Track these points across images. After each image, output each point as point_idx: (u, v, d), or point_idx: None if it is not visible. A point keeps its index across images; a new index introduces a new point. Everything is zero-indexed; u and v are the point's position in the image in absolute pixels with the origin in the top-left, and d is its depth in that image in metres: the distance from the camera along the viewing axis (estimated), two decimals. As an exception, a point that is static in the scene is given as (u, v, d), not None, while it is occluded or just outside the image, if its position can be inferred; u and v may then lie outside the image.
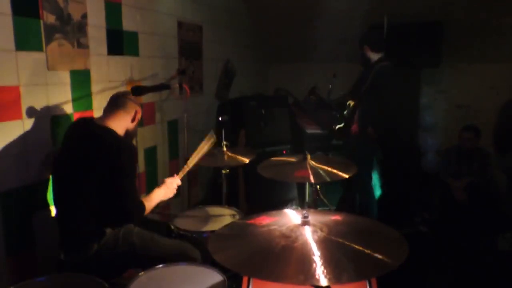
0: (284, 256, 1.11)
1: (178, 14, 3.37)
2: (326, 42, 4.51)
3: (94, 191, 1.80)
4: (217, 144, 2.52)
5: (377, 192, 3.98)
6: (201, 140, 2.36)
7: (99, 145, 1.83)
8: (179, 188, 2.20)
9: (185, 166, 2.27)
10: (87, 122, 1.99)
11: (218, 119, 4.01)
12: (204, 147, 2.33)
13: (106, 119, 1.96)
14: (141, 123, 2.97)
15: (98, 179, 1.79)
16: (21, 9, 1.96)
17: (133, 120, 2.05)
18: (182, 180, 2.22)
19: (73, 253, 1.86)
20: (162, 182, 2.14)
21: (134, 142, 2.86)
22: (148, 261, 1.82)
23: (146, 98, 2.92)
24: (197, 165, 2.35)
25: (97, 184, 1.79)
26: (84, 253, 1.84)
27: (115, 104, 2.02)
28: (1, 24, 1.88)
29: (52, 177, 2.00)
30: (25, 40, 2.00)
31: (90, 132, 1.90)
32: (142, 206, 1.92)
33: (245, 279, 1.59)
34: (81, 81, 2.38)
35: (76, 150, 1.88)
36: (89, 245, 1.84)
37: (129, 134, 2.07)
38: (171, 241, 2.05)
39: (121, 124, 1.99)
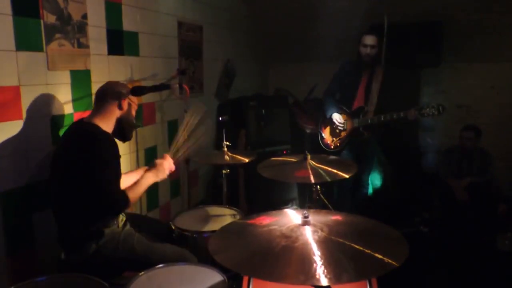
0: (284, 256, 1.11)
1: (178, 14, 3.37)
2: (326, 42, 4.51)
3: (79, 186, 1.79)
4: (215, 144, 2.51)
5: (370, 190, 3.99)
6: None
7: (77, 139, 1.85)
8: (178, 188, 2.18)
9: (174, 143, 2.23)
10: (77, 122, 2.01)
11: (218, 119, 4.01)
12: (191, 120, 2.29)
13: (93, 116, 1.95)
14: (141, 123, 2.97)
15: (79, 173, 1.78)
16: (21, 9, 1.96)
17: (120, 108, 1.98)
18: (180, 180, 2.18)
19: (72, 253, 1.86)
20: (153, 164, 2.11)
21: (133, 142, 2.86)
22: (146, 266, 1.81)
23: (146, 98, 2.92)
24: (187, 140, 2.27)
25: (80, 178, 1.78)
26: (83, 253, 1.83)
27: (97, 98, 1.99)
28: (1, 24, 1.88)
29: (50, 179, 2.00)
30: (25, 40, 2.00)
31: (73, 130, 1.94)
32: (125, 197, 1.86)
33: (245, 279, 1.59)
34: (81, 81, 2.38)
35: (61, 149, 1.91)
36: (87, 245, 1.84)
37: (123, 123, 2.00)
38: (171, 248, 2.01)
39: (108, 116, 1.95)
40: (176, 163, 2.22)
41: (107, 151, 1.84)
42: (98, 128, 1.88)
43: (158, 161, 2.13)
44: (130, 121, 2.06)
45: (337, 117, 3.45)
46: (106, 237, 1.87)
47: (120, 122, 1.99)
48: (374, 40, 3.31)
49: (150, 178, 2.04)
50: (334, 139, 3.56)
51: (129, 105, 2.03)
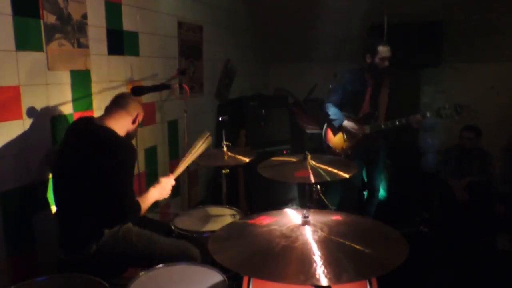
0: (284, 256, 1.11)
1: (178, 14, 3.37)
2: (326, 42, 4.51)
3: (91, 190, 1.79)
4: (215, 144, 2.52)
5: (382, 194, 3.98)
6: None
7: (97, 143, 1.83)
8: (178, 188, 2.19)
9: (179, 166, 2.24)
10: (87, 121, 1.99)
11: (218, 119, 4.01)
12: (198, 147, 2.30)
13: (106, 118, 1.96)
14: (141, 123, 2.97)
15: (95, 177, 1.78)
16: (21, 9, 1.96)
17: (134, 122, 2.04)
18: (180, 180, 2.20)
19: (72, 253, 1.86)
20: (158, 181, 2.12)
21: (133, 142, 2.87)
22: (148, 261, 1.82)
23: (146, 98, 2.92)
24: (191, 164, 2.31)
25: (94, 182, 1.78)
26: (83, 253, 1.83)
27: (117, 104, 2.01)
28: (1, 24, 1.88)
29: (52, 177, 2.00)
30: (25, 40, 2.00)
31: (88, 131, 1.91)
32: (138, 206, 1.89)
33: (245, 279, 1.59)
34: (81, 81, 2.38)
35: (74, 149, 1.89)
36: (87, 245, 1.84)
37: (129, 135, 2.06)
38: (170, 240, 2.05)
39: (121, 124, 1.98)
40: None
41: (129, 158, 1.87)
42: (115, 132, 1.90)
43: (163, 179, 2.13)
44: (133, 136, 2.12)
45: (351, 125, 3.37)
46: (105, 237, 1.87)
47: (127, 133, 2.04)
48: (390, 50, 3.24)
49: (156, 196, 2.06)
50: (344, 147, 3.49)
51: (138, 122, 2.08)
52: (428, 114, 3.18)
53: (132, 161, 1.90)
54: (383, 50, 3.23)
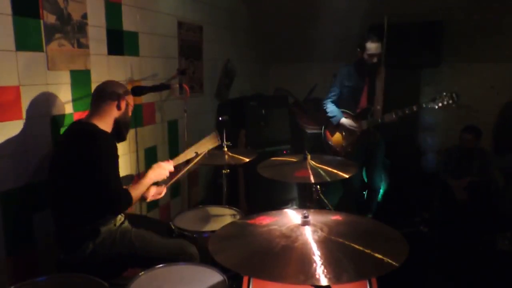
0: (284, 256, 1.11)
1: (178, 14, 3.37)
2: (326, 42, 4.50)
3: (77, 185, 1.79)
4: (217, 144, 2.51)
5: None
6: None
7: (76, 138, 1.85)
8: (178, 188, 2.18)
9: (180, 155, 2.22)
10: (76, 122, 2.01)
11: (218, 119, 4.01)
12: (204, 145, 2.29)
13: (91, 115, 1.95)
14: (141, 123, 2.97)
15: (79, 171, 1.78)
16: (21, 9, 1.96)
17: (119, 108, 1.98)
18: (180, 180, 2.19)
19: (70, 253, 1.86)
20: (156, 164, 2.12)
21: (133, 142, 2.86)
22: (146, 260, 1.82)
23: (146, 98, 2.92)
24: (192, 165, 2.30)
25: (78, 177, 1.78)
26: (80, 252, 1.83)
27: (94, 98, 1.99)
28: (1, 24, 1.88)
29: (48, 179, 2.00)
30: (25, 40, 2.00)
31: (72, 129, 1.94)
32: (127, 194, 1.87)
33: (245, 279, 1.59)
34: (81, 81, 2.38)
35: (60, 148, 1.91)
36: (84, 244, 1.83)
37: (120, 123, 2.01)
38: (167, 239, 2.04)
39: (106, 116, 1.95)
40: (173, 176, 2.23)
41: (107, 149, 1.84)
42: (96, 127, 1.89)
43: (160, 162, 2.14)
44: (127, 122, 2.07)
45: (348, 122, 3.38)
46: (102, 235, 1.87)
47: (117, 123, 2.00)
48: (379, 47, 3.24)
49: (152, 177, 2.05)
50: (343, 145, 3.49)
51: (127, 105, 2.03)
52: (424, 105, 3.18)
53: (112, 151, 1.87)
54: (371, 46, 3.23)
